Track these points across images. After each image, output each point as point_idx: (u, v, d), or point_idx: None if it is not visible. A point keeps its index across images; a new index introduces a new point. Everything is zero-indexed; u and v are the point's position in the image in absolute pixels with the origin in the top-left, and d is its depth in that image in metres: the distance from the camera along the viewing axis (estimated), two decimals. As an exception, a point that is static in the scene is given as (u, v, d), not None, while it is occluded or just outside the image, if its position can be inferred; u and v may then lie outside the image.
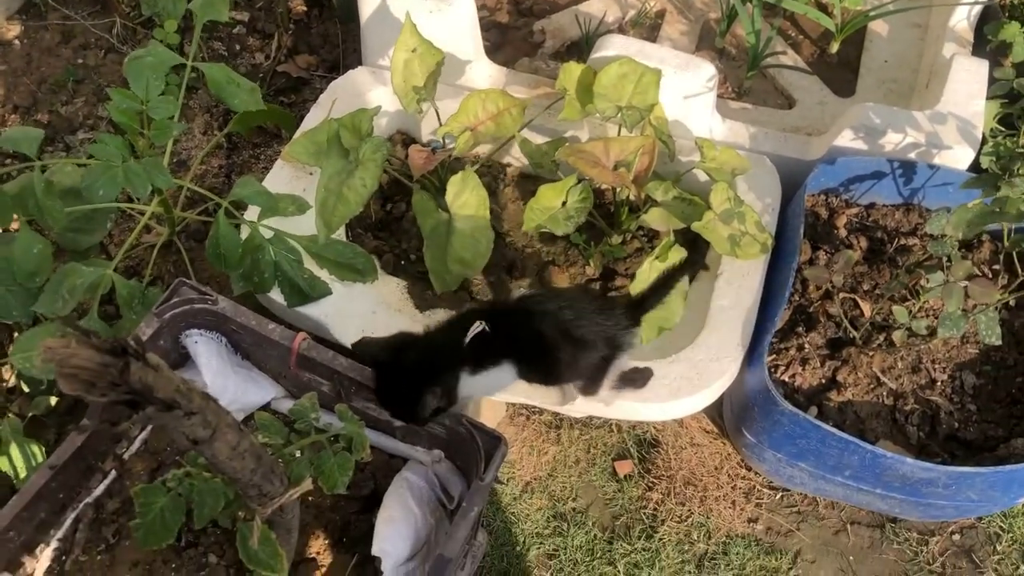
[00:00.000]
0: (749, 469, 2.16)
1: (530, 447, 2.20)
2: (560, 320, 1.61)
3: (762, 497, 2.13)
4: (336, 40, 2.91)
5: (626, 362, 1.74)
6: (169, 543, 1.26)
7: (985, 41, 2.31)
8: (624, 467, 2.17)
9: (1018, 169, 1.64)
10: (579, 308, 1.65)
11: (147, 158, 1.81)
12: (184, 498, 1.24)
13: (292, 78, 2.84)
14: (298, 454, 1.29)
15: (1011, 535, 2.09)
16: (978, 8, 2.33)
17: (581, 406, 1.79)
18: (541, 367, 1.64)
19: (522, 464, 2.18)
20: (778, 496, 2.14)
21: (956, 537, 2.09)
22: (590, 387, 1.70)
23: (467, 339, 1.53)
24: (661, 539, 2.07)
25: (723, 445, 2.20)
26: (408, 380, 1.56)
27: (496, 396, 1.84)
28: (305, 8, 2.99)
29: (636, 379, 1.76)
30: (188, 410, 0.97)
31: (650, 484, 2.14)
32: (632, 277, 1.95)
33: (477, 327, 1.54)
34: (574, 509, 2.12)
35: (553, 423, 2.22)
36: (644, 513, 2.11)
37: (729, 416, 2.10)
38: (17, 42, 2.89)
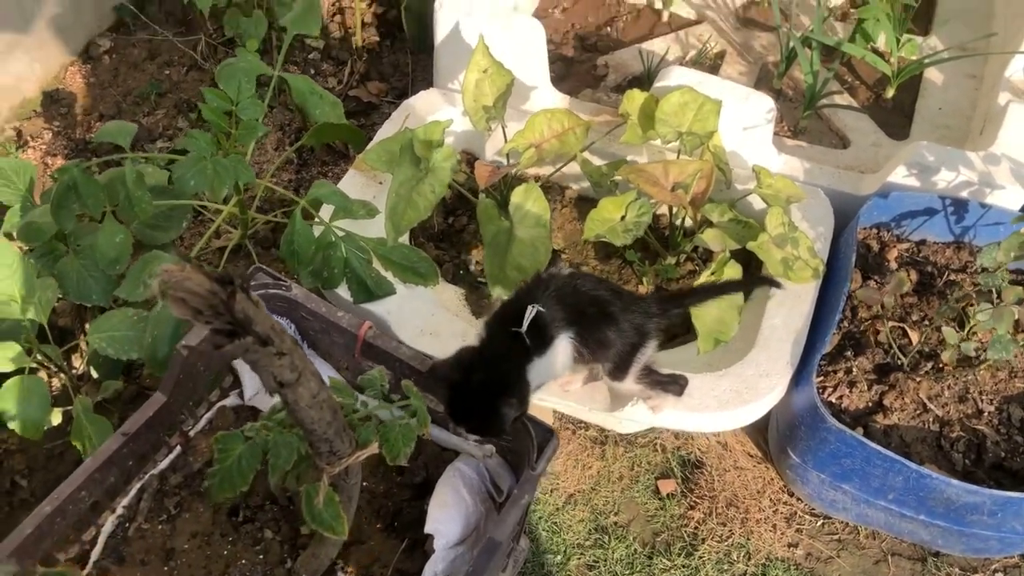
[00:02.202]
0: (791, 495, 2.18)
1: (575, 460, 2.24)
2: (599, 295, 1.69)
3: (803, 523, 2.15)
4: (406, 69, 3.05)
5: (660, 367, 1.79)
6: (243, 490, 1.33)
7: (1040, 91, 2.37)
8: (667, 486, 2.20)
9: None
10: (612, 289, 1.74)
11: (233, 155, 1.93)
12: (260, 448, 1.31)
13: (362, 102, 2.97)
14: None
15: (1055, 578, 2.08)
16: (1033, 59, 2.39)
17: (631, 414, 1.85)
18: (593, 333, 1.68)
19: (566, 476, 2.22)
20: (819, 523, 2.15)
21: (999, 576, 2.09)
22: (617, 372, 1.75)
23: (525, 324, 1.59)
24: (701, 557, 2.09)
25: (766, 470, 2.22)
26: (481, 395, 1.57)
27: (552, 401, 1.90)
28: (378, 38, 3.13)
29: (673, 384, 1.80)
30: (279, 349, 1.05)
31: (692, 503, 2.17)
32: (684, 297, 2.03)
33: (532, 311, 1.59)
34: (616, 523, 2.15)
35: (598, 439, 2.27)
36: (685, 531, 2.13)
37: (774, 437, 2.13)
38: (106, 57, 3.07)
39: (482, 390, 1.57)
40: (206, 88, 1.93)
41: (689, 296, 1.88)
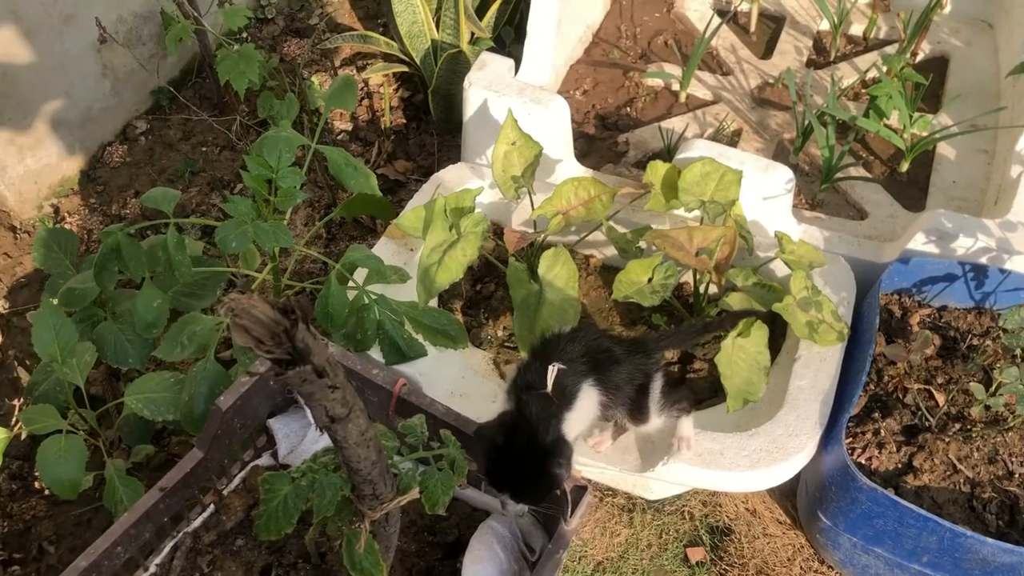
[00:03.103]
0: (822, 562, 2.16)
1: (602, 528, 2.23)
2: (603, 343, 1.77)
3: (835, 592, 2.12)
4: (432, 149, 3.15)
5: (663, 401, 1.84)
6: (287, 532, 1.34)
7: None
8: (696, 554, 2.19)
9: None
10: (611, 337, 1.86)
11: (272, 220, 1.99)
12: (306, 489, 1.32)
13: (390, 180, 3.06)
14: (406, 468, 1.38)
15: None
16: (1043, 133, 2.47)
17: (662, 473, 1.85)
18: (610, 378, 1.74)
19: (594, 544, 2.20)
20: (852, 592, 2.12)
21: (1038, 647, 2.05)
22: (638, 415, 1.80)
23: (549, 384, 1.62)
24: (733, 626, 2.06)
25: (796, 536, 2.20)
26: (531, 460, 1.58)
27: (584, 464, 1.91)
28: (404, 121, 3.25)
29: (682, 403, 1.85)
30: (334, 383, 1.09)
31: (722, 572, 2.15)
32: (709, 362, 2.07)
33: (554, 370, 1.63)
34: (645, 591, 2.13)
35: (626, 506, 2.26)
36: (716, 599, 2.11)
37: (804, 501, 2.12)
38: (143, 138, 3.18)
39: (531, 454, 1.58)
40: (248, 155, 2.01)
41: (678, 335, 2.02)
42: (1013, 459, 1.93)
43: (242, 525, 1.83)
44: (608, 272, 2.36)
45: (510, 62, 2.52)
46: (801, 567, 2.16)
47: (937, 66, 3.01)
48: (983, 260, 2.17)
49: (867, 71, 2.90)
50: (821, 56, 3.11)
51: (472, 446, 1.63)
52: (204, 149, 3.15)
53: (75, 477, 1.88)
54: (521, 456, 1.58)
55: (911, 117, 2.56)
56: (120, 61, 3.01)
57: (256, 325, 1.00)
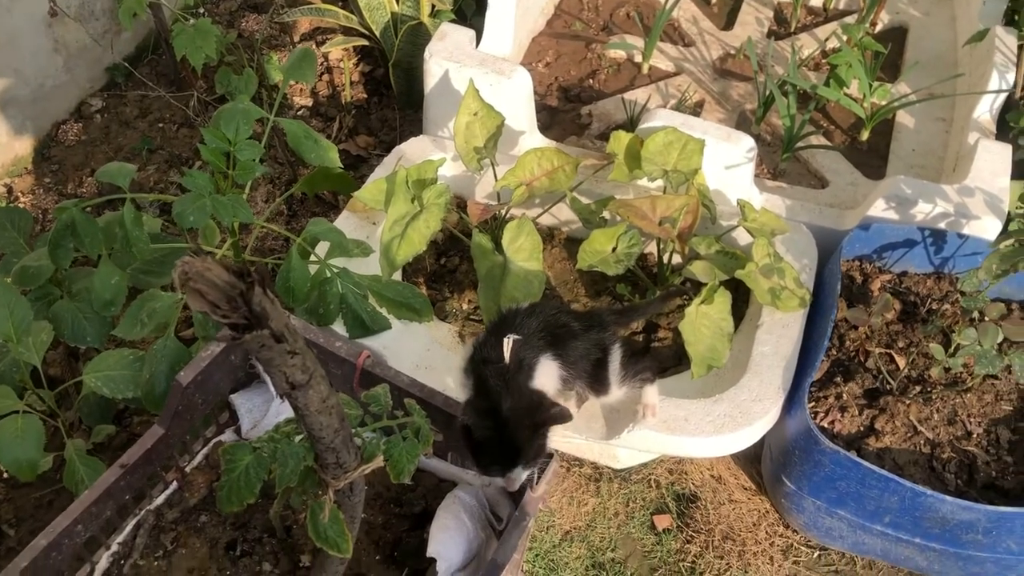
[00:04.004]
0: (787, 527, 2.19)
1: (570, 497, 2.24)
2: (560, 318, 1.80)
3: (800, 555, 2.15)
4: (394, 123, 3.12)
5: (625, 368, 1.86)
6: (250, 502, 1.32)
7: (1008, 128, 2.47)
8: (663, 521, 2.20)
9: (1044, 222, 1.75)
10: (569, 312, 1.89)
11: (231, 194, 1.96)
12: (267, 459, 1.31)
13: (351, 155, 3.03)
14: (369, 437, 1.37)
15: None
16: (1000, 100, 2.49)
17: (628, 440, 1.86)
18: (569, 352, 1.75)
19: (562, 514, 2.21)
20: (816, 555, 2.15)
21: (996, 603, 2.09)
22: (599, 387, 1.83)
23: (506, 355, 1.63)
24: (700, 591, 2.08)
25: (761, 502, 2.23)
26: (520, 425, 1.59)
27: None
28: (366, 95, 3.21)
29: (645, 372, 1.86)
30: (293, 349, 1.07)
31: (689, 537, 2.17)
32: (674, 331, 2.08)
33: (510, 340, 1.64)
34: (613, 559, 2.14)
35: (593, 476, 2.27)
36: (682, 566, 2.12)
37: (768, 467, 2.14)
38: (98, 116, 3.12)
39: (518, 419, 1.59)
40: (205, 128, 1.97)
41: (633, 311, 2.07)
42: (971, 420, 1.96)
43: (206, 502, 1.81)
44: (574, 244, 2.36)
45: (471, 33, 2.50)
46: (767, 531, 2.18)
47: (896, 36, 3.04)
48: (942, 225, 2.20)
49: (826, 39, 2.91)
50: (782, 27, 3.12)
51: (461, 439, 1.63)
52: (161, 126, 3.09)
53: (33, 457, 1.84)
54: (513, 422, 1.58)
55: (871, 86, 2.58)
56: (72, 36, 2.94)
57: (211, 289, 0.98)
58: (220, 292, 0.98)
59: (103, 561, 1.71)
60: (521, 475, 1.59)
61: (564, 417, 1.61)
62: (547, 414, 1.60)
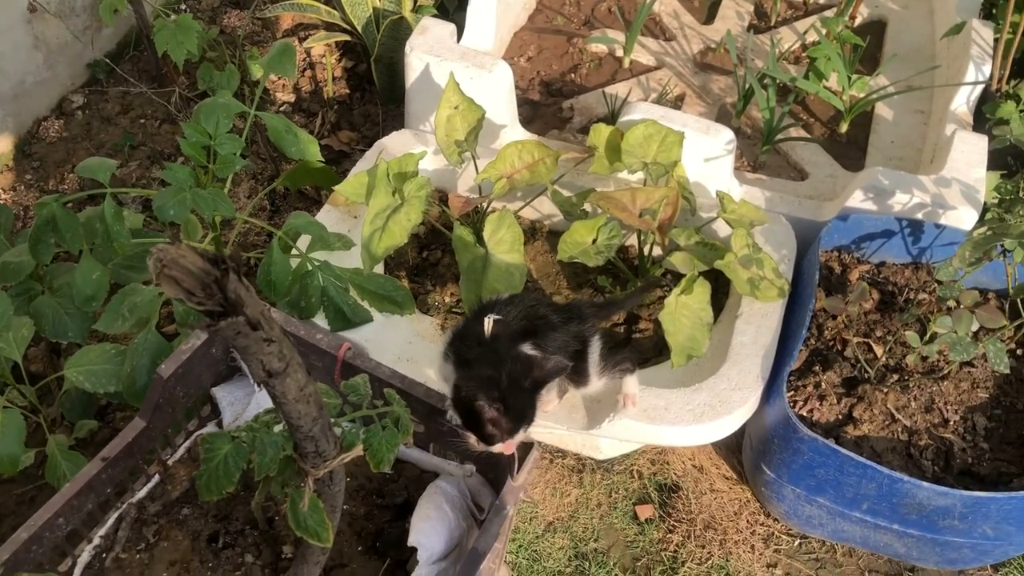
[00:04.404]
0: (768, 515, 2.20)
1: (553, 488, 2.25)
2: (539, 310, 1.81)
3: (780, 543, 2.16)
4: (377, 119, 3.13)
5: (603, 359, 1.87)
6: (228, 491, 1.33)
7: (984, 120, 2.49)
8: (645, 511, 2.22)
9: (1018, 210, 1.77)
10: (548, 304, 1.90)
11: (212, 188, 1.96)
12: (246, 447, 1.31)
13: (334, 151, 3.03)
14: (349, 427, 1.37)
15: (1029, 588, 2.11)
16: (977, 92, 2.52)
17: (609, 430, 1.87)
18: (548, 343, 1.74)
19: (545, 504, 2.22)
20: (796, 543, 2.17)
21: (974, 589, 2.12)
22: (579, 379, 1.84)
23: (488, 332, 1.64)
24: (682, 580, 2.10)
25: (742, 491, 2.24)
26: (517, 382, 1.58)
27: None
28: (348, 91, 3.21)
29: (625, 363, 1.87)
30: (269, 336, 1.07)
31: (671, 527, 2.18)
32: (654, 322, 2.09)
33: (490, 320, 1.65)
34: (595, 549, 2.15)
35: (576, 467, 2.28)
36: (665, 555, 2.14)
37: (748, 455, 2.16)
38: (79, 112, 3.11)
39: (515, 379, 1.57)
40: (186, 123, 1.97)
41: (613, 304, 2.08)
42: (948, 407, 1.98)
43: (187, 495, 1.82)
44: (556, 238, 2.36)
45: (452, 27, 2.51)
46: (747, 520, 2.20)
47: (875, 29, 3.06)
48: (919, 216, 2.22)
49: (806, 32, 2.93)
50: (762, 21, 3.14)
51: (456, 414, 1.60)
52: (143, 122, 3.08)
53: (14, 452, 1.84)
54: (511, 385, 1.56)
55: (850, 79, 2.60)
56: (53, 32, 2.93)
57: (186, 276, 0.98)
58: (195, 279, 0.99)
59: (85, 554, 1.71)
60: (520, 438, 1.59)
61: (562, 367, 1.61)
62: (546, 369, 1.59)
